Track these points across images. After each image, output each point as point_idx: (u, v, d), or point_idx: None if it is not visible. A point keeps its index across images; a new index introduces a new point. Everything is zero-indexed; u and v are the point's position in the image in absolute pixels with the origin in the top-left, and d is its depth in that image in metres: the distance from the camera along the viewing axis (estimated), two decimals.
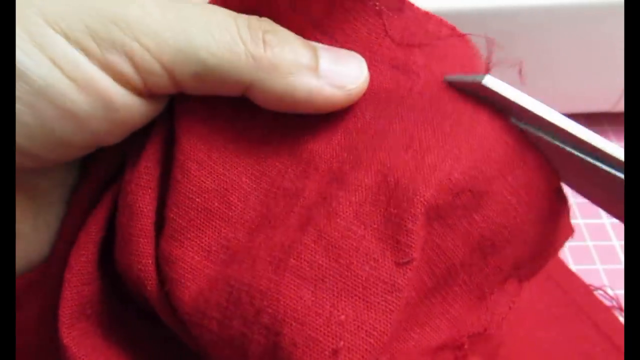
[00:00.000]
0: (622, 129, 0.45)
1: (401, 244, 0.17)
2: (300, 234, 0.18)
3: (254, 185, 0.19)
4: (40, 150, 0.17)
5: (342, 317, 0.16)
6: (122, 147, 0.19)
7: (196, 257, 0.18)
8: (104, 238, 0.20)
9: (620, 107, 0.42)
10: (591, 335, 0.31)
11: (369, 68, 0.19)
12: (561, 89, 0.41)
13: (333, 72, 0.19)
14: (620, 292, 0.34)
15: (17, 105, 0.16)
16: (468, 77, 0.18)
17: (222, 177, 0.19)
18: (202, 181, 0.19)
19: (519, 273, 0.20)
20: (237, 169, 0.19)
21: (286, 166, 0.19)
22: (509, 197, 0.18)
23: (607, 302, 0.34)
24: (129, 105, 0.17)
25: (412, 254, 0.17)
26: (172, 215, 0.18)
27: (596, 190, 0.18)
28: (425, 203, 0.17)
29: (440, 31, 0.20)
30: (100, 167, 0.20)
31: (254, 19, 0.18)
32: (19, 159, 0.17)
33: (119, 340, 0.20)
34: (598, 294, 0.34)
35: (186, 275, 0.18)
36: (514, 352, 0.27)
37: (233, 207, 0.19)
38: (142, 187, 0.19)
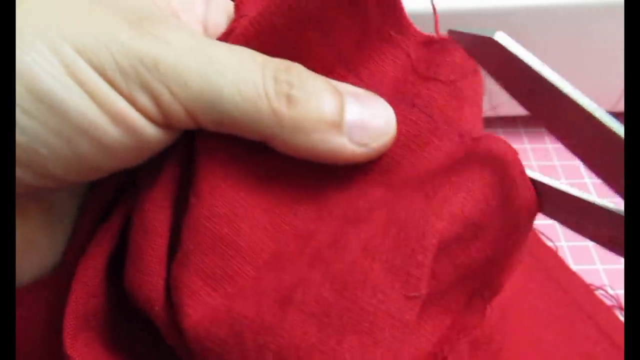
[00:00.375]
0: None
1: (412, 277, 0.17)
2: (308, 270, 0.17)
3: (266, 217, 0.19)
4: (73, 177, 0.17)
5: (347, 355, 0.16)
6: None
7: (199, 282, 0.18)
8: (113, 251, 0.20)
9: (620, 107, 0.42)
10: (592, 335, 0.31)
11: (393, 109, 0.19)
12: None
13: (358, 128, 0.18)
14: (621, 292, 0.34)
15: (56, 140, 0.16)
16: (477, 31, 0.17)
17: (234, 203, 0.18)
18: (214, 205, 0.18)
19: (482, 292, 0.20)
20: (250, 198, 0.19)
21: (300, 204, 0.19)
22: (501, 230, 0.18)
23: (608, 302, 0.34)
24: (152, 135, 0.17)
25: (422, 289, 0.17)
26: (183, 238, 0.18)
27: (589, 227, 0.19)
28: (438, 235, 0.17)
29: (464, 67, 0.20)
30: (110, 179, 0.20)
31: (282, 69, 0.18)
32: (50, 184, 0.17)
33: (122, 353, 0.20)
34: (598, 293, 0.34)
35: (187, 300, 0.18)
36: (514, 352, 0.27)
37: (242, 235, 0.18)
38: (158, 207, 0.19)
